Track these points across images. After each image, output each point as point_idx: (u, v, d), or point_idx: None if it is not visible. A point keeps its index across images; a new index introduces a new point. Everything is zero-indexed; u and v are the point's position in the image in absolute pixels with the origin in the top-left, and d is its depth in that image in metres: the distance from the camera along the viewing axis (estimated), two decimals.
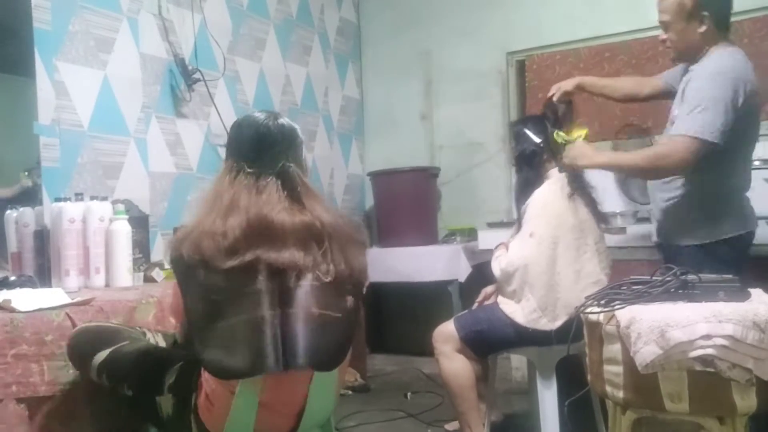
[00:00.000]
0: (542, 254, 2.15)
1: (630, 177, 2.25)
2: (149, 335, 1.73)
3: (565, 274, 2.15)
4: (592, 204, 2.28)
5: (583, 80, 2.51)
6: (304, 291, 1.40)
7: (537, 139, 2.30)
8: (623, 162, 2.25)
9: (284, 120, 1.56)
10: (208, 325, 1.37)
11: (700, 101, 2.00)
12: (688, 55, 2.16)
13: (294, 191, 1.47)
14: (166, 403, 1.47)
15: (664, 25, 2.16)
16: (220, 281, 1.37)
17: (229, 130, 1.60)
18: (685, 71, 2.20)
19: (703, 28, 2.07)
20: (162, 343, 1.74)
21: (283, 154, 1.50)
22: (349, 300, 1.47)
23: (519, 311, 2.18)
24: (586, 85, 2.50)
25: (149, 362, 1.53)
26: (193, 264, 1.38)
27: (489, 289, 2.41)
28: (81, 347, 1.60)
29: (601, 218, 2.32)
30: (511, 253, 2.23)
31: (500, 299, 2.26)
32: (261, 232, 1.39)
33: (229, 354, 1.35)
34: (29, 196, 2.32)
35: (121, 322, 1.79)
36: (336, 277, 1.43)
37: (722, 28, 2.12)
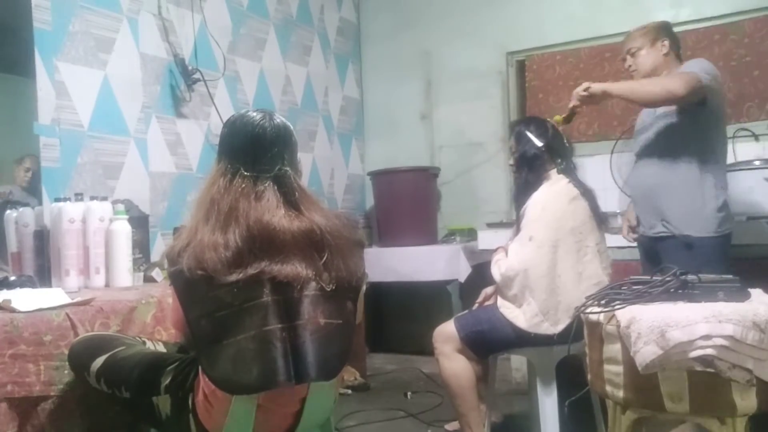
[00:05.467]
0: (542, 258, 2.13)
1: (641, 104, 2.44)
2: (149, 344, 1.72)
3: (566, 278, 2.13)
4: (592, 204, 2.27)
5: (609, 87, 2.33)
6: (309, 302, 1.39)
7: (539, 143, 2.28)
8: (637, 89, 2.30)
9: (279, 119, 1.52)
10: (214, 341, 1.35)
11: (695, 66, 2.30)
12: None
13: (291, 196, 1.45)
14: (164, 403, 1.47)
15: (633, 51, 2.46)
16: (224, 295, 1.34)
17: (222, 128, 1.56)
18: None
19: (665, 50, 2.43)
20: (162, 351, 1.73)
21: (279, 157, 1.47)
22: (349, 305, 1.47)
23: (521, 316, 2.16)
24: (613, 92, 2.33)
25: (145, 364, 1.52)
26: (196, 279, 1.34)
27: (489, 289, 2.40)
28: (79, 355, 1.60)
29: (602, 219, 2.31)
30: (510, 258, 2.20)
31: (501, 302, 2.24)
32: (263, 242, 1.37)
33: (239, 370, 1.34)
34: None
35: (120, 325, 1.79)
36: (337, 285, 1.42)
37: (678, 56, 2.47)
